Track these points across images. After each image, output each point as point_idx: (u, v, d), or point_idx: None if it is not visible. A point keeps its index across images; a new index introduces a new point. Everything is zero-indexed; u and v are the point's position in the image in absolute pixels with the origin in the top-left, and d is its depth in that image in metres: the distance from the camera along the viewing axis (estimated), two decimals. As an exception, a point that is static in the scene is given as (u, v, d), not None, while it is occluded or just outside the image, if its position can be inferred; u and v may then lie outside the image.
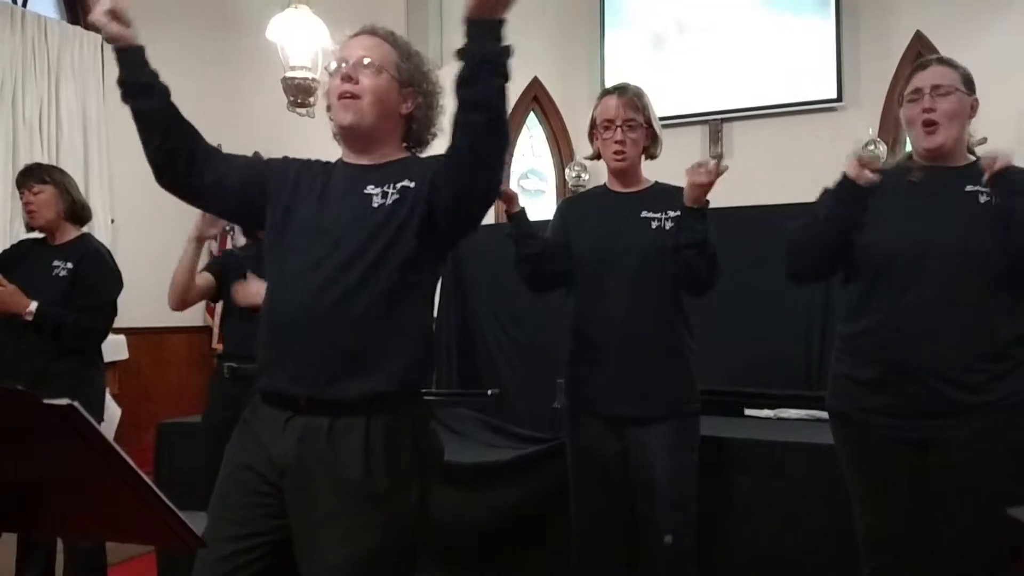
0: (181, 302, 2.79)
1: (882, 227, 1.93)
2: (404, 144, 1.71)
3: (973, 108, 1.99)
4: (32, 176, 2.87)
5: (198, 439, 2.86)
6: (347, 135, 1.67)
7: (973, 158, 2.02)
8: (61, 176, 2.93)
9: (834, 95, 4.90)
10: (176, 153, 1.63)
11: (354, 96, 1.60)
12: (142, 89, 1.61)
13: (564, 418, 2.40)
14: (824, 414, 2.13)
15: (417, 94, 1.67)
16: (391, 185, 1.59)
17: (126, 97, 1.62)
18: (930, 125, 1.93)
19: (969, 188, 1.91)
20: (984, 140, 4.17)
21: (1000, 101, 4.45)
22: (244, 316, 2.66)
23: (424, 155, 1.73)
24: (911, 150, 2.08)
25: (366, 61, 1.61)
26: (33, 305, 2.67)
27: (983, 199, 1.89)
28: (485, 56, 1.44)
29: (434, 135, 1.74)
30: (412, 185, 1.59)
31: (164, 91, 1.63)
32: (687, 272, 2.20)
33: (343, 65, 1.62)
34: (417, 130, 1.71)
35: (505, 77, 1.46)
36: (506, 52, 1.45)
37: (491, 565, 2.71)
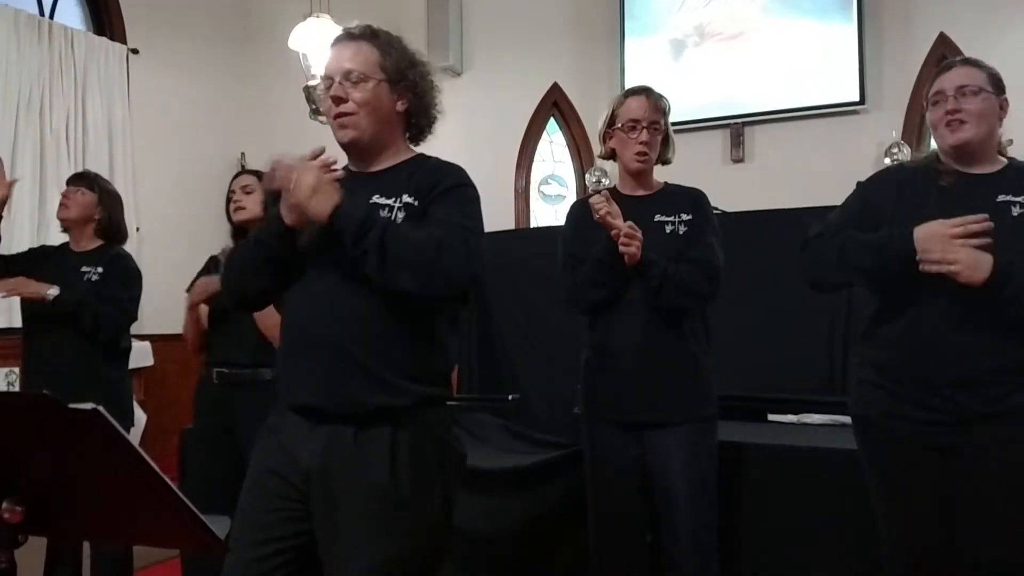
0: (199, 350, 2.81)
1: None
2: (408, 135, 1.71)
3: (1003, 108, 1.92)
4: (83, 180, 2.91)
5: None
6: (350, 151, 1.67)
7: (1005, 161, 1.95)
8: (111, 190, 2.97)
9: (857, 98, 4.85)
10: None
11: (348, 113, 1.60)
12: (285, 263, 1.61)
13: (581, 424, 2.40)
14: (848, 419, 2.11)
15: (408, 88, 1.65)
16: (397, 199, 1.58)
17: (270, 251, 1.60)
18: (955, 122, 1.87)
19: (1002, 198, 1.84)
20: (1011, 142, 4.10)
21: (1026, 102, 4.41)
22: (227, 321, 2.65)
23: (428, 149, 1.73)
24: (937, 149, 2.01)
25: (353, 75, 1.60)
26: (54, 289, 2.68)
27: (1016, 211, 1.83)
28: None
29: (435, 118, 1.72)
30: (416, 203, 1.58)
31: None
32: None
33: (331, 83, 1.61)
34: (417, 122, 1.70)
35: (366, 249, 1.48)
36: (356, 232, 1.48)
37: (512, 569, 2.70)
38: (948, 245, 1.72)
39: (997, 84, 1.92)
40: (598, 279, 2.24)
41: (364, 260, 1.48)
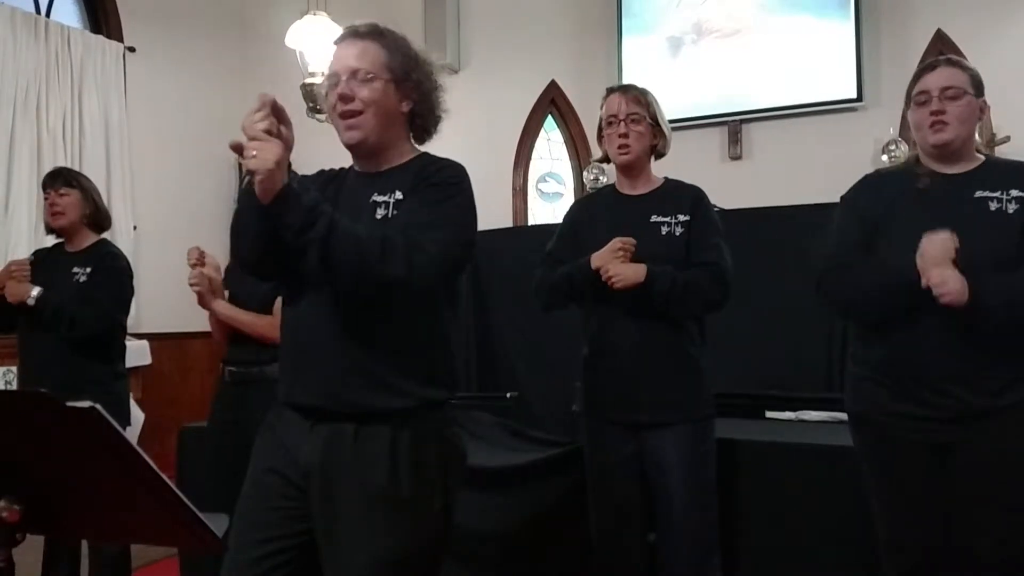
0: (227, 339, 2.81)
1: (894, 242, 1.89)
2: (413, 135, 1.69)
3: (982, 111, 1.96)
4: (59, 179, 2.90)
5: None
6: (356, 151, 1.65)
7: (982, 159, 1.99)
8: (87, 182, 2.97)
9: (854, 95, 4.85)
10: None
11: (355, 113, 1.58)
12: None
13: (580, 423, 2.41)
14: (845, 416, 2.11)
15: (413, 87, 1.63)
16: (391, 195, 1.57)
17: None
18: (939, 124, 1.90)
19: (979, 194, 1.87)
20: (1007, 138, 4.10)
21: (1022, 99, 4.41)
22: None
23: (431, 148, 1.71)
24: (917, 151, 2.05)
25: (360, 74, 1.58)
26: (36, 290, 2.69)
27: (994, 206, 1.86)
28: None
29: (439, 117, 1.70)
30: (403, 199, 1.56)
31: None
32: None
33: (336, 81, 1.59)
34: (422, 123, 1.68)
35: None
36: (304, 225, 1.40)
37: (511, 568, 2.70)
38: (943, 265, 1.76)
39: (978, 86, 1.95)
40: (564, 292, 2.32)
41: (304, 253, 1.41)
